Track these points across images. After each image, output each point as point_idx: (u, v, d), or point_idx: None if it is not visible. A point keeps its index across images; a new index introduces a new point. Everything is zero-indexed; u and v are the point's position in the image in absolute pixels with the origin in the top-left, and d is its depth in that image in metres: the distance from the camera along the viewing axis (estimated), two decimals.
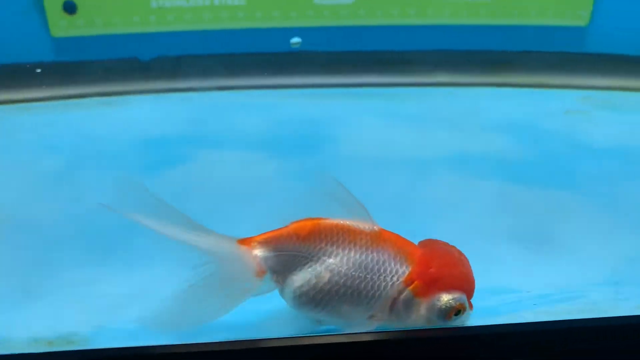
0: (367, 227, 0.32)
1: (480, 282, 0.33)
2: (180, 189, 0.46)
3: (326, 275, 0.31)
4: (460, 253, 0.33)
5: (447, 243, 0.33)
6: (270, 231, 0.32)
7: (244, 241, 0.32)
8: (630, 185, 0.47)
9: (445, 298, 0.31)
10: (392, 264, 0.31)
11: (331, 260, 0.31)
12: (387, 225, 0.42)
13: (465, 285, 0.31)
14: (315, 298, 0.32)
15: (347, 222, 0.32)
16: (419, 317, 0.31)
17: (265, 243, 0.32)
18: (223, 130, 0.56)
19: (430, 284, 0.31)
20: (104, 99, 0.65)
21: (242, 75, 0.65)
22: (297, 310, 0.33)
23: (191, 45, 0.65)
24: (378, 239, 0.32)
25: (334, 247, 0.32)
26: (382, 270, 0.31)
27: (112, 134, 0.57)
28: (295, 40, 0.62)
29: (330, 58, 0.68)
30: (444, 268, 0.31)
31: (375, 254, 0.31)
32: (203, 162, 0.50)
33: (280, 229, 0.32)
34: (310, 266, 0.32)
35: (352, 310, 0.32)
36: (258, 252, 0.32)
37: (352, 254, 0.31)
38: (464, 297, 0.31)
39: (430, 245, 0.33)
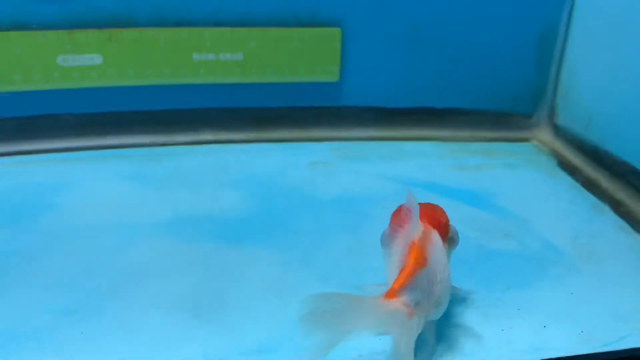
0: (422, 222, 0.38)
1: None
2: None
3: (447, 272, 0.37)
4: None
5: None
6: (400, 274, 0.35)
7: (388, 294, 0.34)
8: (329, 238, 0.48)
9: (452, 231, 0.40)
10: (439, 237, 0.38)
11: (441, 260, 0.37)
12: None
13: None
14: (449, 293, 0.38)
15: (420, 227, 0.37)
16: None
17: (405, 287, 0.34)
18: None
19: (446, 230, 0.40)
20: None
21: None
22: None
23: None
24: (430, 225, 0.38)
25: (434, 249, 0.37)
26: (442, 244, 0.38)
27: None
28: None
29: (81, 120, 0.66)
30: (439, 214, 0.40)
31: (437, 236, 0.38)
32: None
33: (405, 267, 0.35)
34: (438, 276, 0.36)
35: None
36: (404, 298, 0.34)
37: (438, 245, 0.37)
38: None
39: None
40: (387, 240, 0.39)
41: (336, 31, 0.68)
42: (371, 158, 0.65)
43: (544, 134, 0.72)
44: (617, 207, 0.55)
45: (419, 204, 0.38)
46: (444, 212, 0.41)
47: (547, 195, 0.58)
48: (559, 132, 0.70)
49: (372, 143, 0.69)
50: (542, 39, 0.70)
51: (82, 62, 0.64)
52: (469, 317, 0.40)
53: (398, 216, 0.39)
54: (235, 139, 0.70)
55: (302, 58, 0.69)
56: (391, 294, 0.34)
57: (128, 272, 0.43)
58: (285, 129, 0.71)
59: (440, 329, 0.38)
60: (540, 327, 0.39)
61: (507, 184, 0.60)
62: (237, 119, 0.71)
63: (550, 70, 0.71)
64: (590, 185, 0.60)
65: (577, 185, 0.60)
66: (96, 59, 0.65)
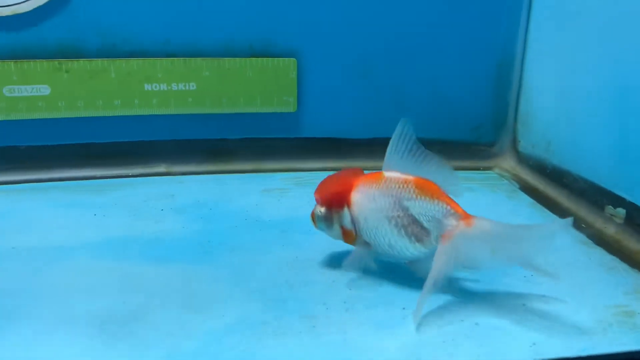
0: None
1: None
2: None
3: None
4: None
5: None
6: (453, 205, 0.40)
7: (466, 219, 0.39)
8: (268, 254, 0.46)
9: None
10: None
11: None
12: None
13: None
14: None
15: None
16: None
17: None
18: None
19: None
20: None
21: None
22: None
23: None
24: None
25: None
26: None
27: None
28: None
29: (28, 153, 0.64)
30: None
31: None
32: None
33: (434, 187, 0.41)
34: None
35: None
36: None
37: None
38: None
39: None
40: (323, 215, 0.43)
41: (292, 61, 0.68)
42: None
43: (507, 162, 0.70)
44: (579, 223, 0.52)
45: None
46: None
47: (506, 214, 0.55)
48: (522, 158, 0.68)
49: (329, 173, 0.67)
50: (499, 69, 0.70)
51: (29, 92, 0.63)
52: None
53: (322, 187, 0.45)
54: (190, 171, 0.68)
55: (258, 88, 0.68)
56: (467, 216, 0.39)
57: (45, 291, 0.40)
58: (241, 160, 0.69)
59: None
60: (490, 335, 0.36)
61: (466, 205, 0.57)
62: (191, 150, 0.69)
63: (509, 99, 0.71)
64: (552, 205, 0.57)
65: (539, 206, 0.58)
66: (44, 89, 0.64)
